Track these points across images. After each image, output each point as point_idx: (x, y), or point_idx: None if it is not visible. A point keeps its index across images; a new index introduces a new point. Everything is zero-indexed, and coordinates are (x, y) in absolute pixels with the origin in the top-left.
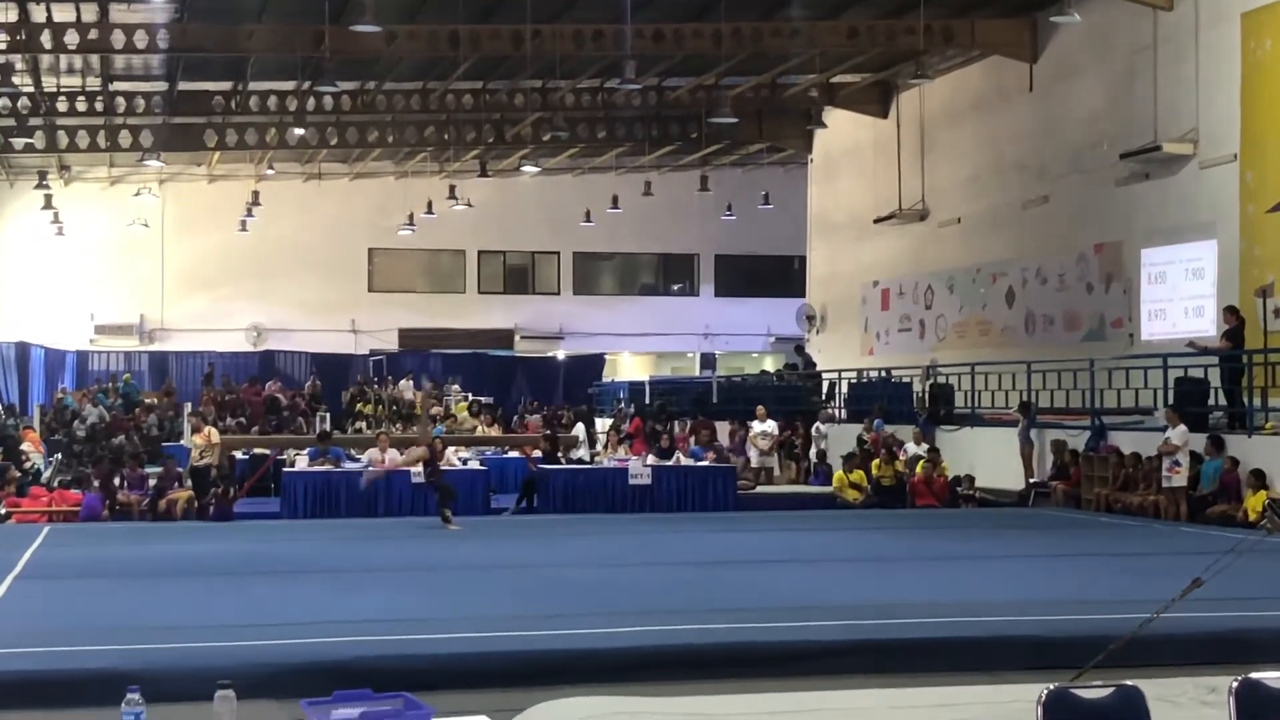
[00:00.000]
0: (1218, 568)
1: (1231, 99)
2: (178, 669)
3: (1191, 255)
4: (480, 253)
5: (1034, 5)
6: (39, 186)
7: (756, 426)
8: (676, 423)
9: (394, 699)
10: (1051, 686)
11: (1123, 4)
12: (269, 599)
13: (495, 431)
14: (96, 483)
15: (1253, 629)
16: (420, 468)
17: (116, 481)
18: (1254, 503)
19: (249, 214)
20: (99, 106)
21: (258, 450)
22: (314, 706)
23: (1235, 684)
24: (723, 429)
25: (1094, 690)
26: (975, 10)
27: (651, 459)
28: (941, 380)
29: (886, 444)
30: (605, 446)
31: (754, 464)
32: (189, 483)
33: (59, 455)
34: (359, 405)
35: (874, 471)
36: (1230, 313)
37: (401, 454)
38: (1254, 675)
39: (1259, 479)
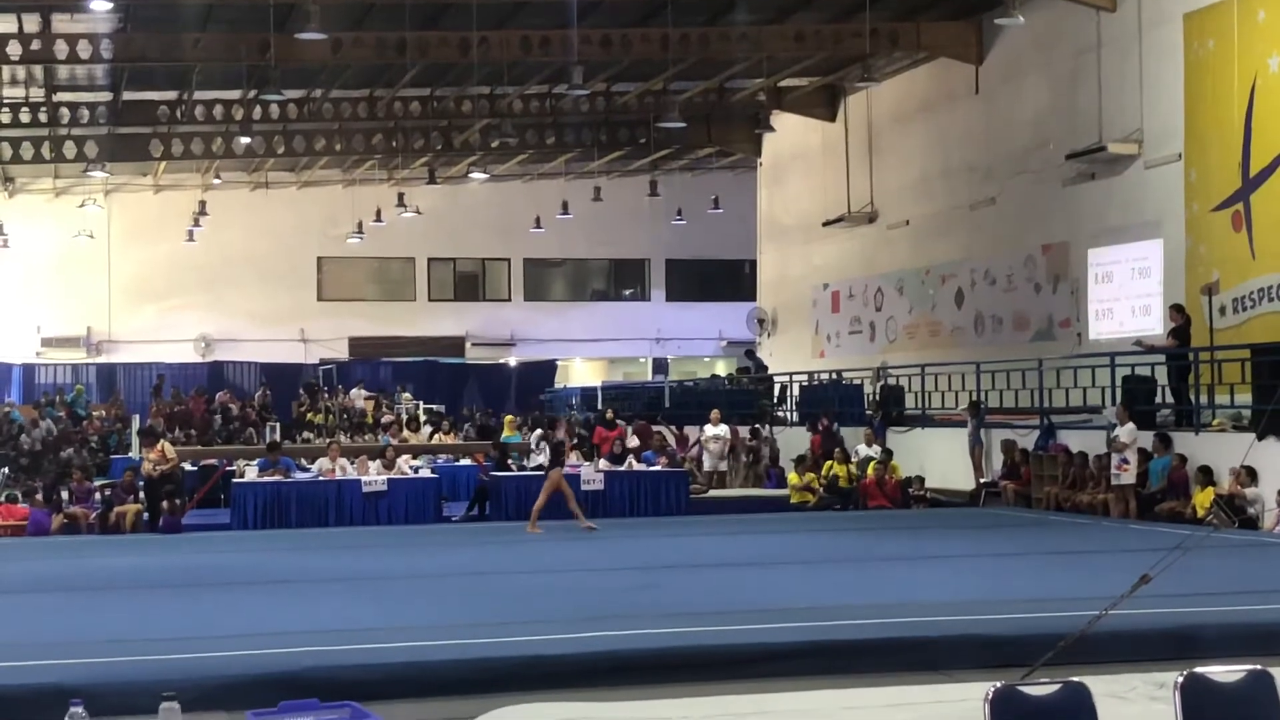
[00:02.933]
0: (1165, 564)
1: (1175, 99)
2: (122, 682)
3: (1137, 254)
4: (430, 260)
5: (979, 8)
6: None
7: (709, 430)
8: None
9: (341, 709)
10: (999, 684)
11: (1066, 6)
12: (217, 611)
13: (451, 439)
14: (39, 496)
15: (1201, 624)
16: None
17: (65, 495)
18: (1201, 499)
19: (196, 224)
20: (43, 118)
21: (206, 461)
22: (260, 718)
23: (1180, 679)
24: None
25: (1041, 687)
26: (921, 13)
27: (604, 464)
28: (892, 382)
29: (838, 443)
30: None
31: (707, 468)
32: (141, 495)
33: (5, 469)
34: (310, 415)
35: (826, 473)
36: (1176, 311)
37: (353, 463)
38: (1199, 669)
39: (1206, 475)
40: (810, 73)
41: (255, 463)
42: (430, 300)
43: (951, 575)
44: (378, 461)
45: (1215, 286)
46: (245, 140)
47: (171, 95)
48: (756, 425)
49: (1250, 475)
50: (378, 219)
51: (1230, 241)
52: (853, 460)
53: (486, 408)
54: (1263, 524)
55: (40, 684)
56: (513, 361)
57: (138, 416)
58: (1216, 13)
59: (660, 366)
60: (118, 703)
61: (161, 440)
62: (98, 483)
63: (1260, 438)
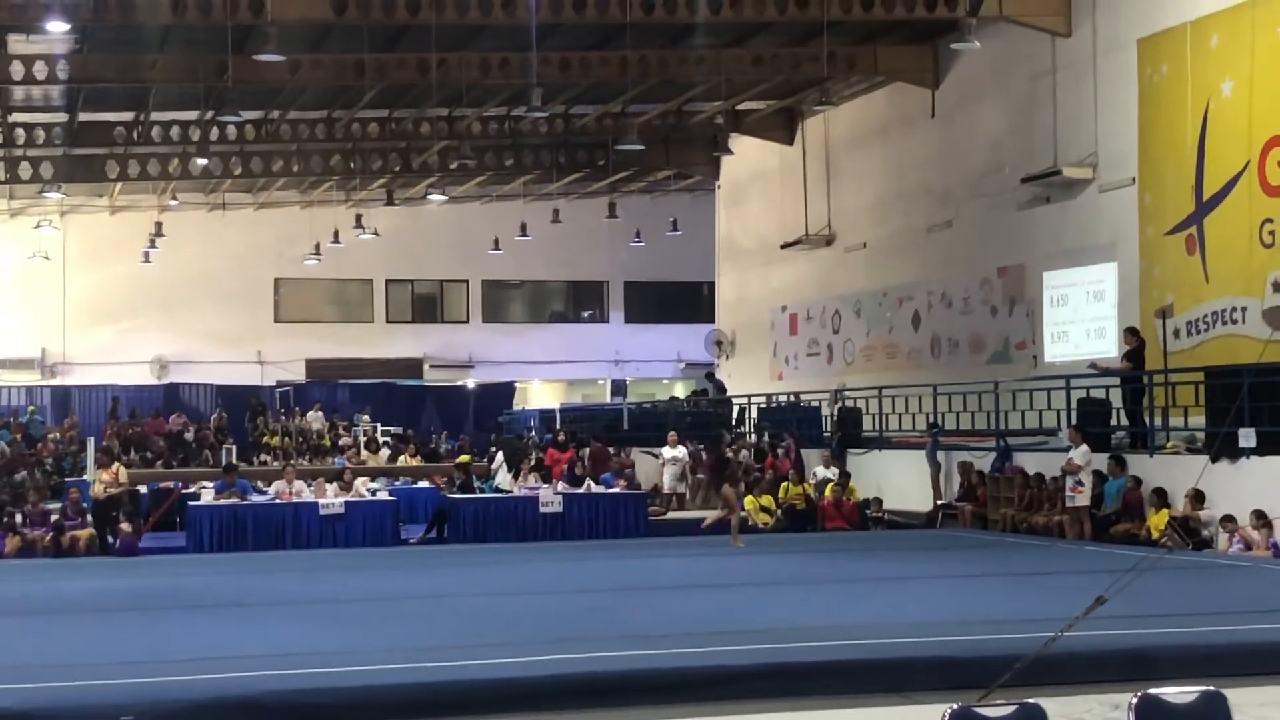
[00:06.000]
0: (1121, 586)
1: (1129, 123)
2: (81, 706)
3: (1092, 277)
4: (388, 282)
5: (935, 32)
6: None
7: (667, 453)
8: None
9: None
10: (955, 706)
11: (1022, 31)
12: (175, 634)
13: (417, 462)
14: None
15: (1155, 646)
16: None
17: (18, 519)
18: (1156, 521)
19: (152, 245)
20: None
21: (162, 484)
22: None
23: (1135, 699)
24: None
25: (997, 708)
26: (878, 38)
27: (562, 486)
28: (849, 404)
29: (779, 464)
30: (518, 475)
31: (665, 490)
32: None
33: None
34: (267, 437)
35: (782, 495)
36: (1131, 334)
37: (310, 485)
38: (1153, 690)
39: (1161, 498)
40: (768, 96)
41: (211, 485)
42: (388, 322)
43: (908, 596)
44: (335, 484)
45: (1169, 310)
46: (202, 161)
47: (128, 116)
48: (733, 447)
49: (1199, 499)
50: (335, 240)
51: (1184, 265)
52: (810, 482)
53: (445, 430)
54: (1216, 546)
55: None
56: (471, 383)
57: (93, 439)
58: (1170, 38)
59: (619, 388)
60: None
61: (116, 463)
62: (54, 505)
63: (1214, 460)
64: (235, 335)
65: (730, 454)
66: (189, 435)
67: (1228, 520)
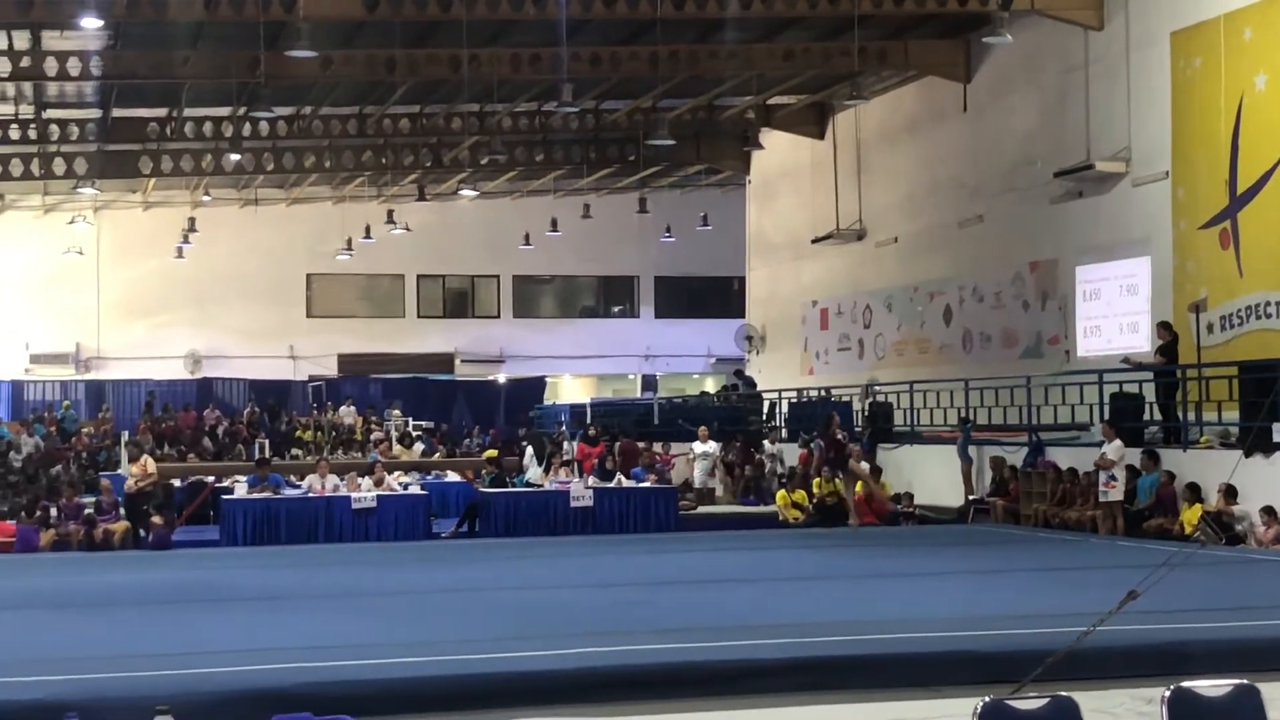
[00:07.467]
0: (1153, 580)
1: (1162, 117)
2: (116, 698)
3: (1125, 272)
4: (419, 277)
5: (967, 26)
6: None
7: (698, 447)
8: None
9: None
10: (987, 698)
11: (1054, 24)
12: (208, 627)
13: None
14: (24, 512)
15: (1189, 640)
16: None
17: (53, 512)
18: (1189, 516)
19: (185, 241)
20: (32, 134)
21: (195, 477)
22: None
23: (1167, 693)
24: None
25: (1029, 701)
26: (909, 32)
27: (593, 481)
28: (881, 399)
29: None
30: (549, 469)
31: (696, 485)
32: (123, 511)
33: None
34: (298, 431)
35: (816, 490)
36: (1164, 328)
37: (343, 480)
38: (1186, 684)
39: (1194, 492)
40: (799, 90)
41: (244, 479)
42: (419, 317)
43: (940, 591)
44: (367, 478)
45: (1203, 304)
46: (235, 157)
47: (161, 112)
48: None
49: (1231, 493)
50: (367, 236)
51: (1218, 259)
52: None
53: (476, 424)
54: (1250, 540)
55: (34, 700)
56: (502, 378)
57: (126, 433)
58: (1203, 31)
59: (649, 383)
60: (111, 718)
61: (145, 456)
62: (88, 499)
63: (1247, 455)
64: (268, 330)
65: (840, 438)
66: (222, 429)
67: (1267, 512)
